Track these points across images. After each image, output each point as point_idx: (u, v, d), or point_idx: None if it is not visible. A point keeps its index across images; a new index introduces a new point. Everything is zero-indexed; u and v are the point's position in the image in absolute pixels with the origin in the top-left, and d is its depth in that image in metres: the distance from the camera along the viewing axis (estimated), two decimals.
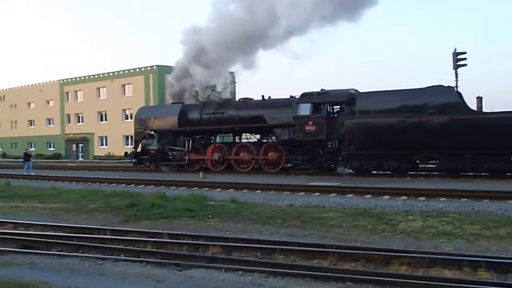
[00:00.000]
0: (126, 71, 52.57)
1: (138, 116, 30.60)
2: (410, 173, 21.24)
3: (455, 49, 23.21)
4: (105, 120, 55.25)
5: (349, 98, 22.56)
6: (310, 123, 22.71)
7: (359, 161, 21.89)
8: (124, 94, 52.91)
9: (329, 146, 22.36)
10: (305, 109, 22.94)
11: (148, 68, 50.53)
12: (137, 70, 51.43)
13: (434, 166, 21.47)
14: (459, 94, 20.36)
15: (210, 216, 11.61)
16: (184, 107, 28.64)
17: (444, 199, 13.65)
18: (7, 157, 62.24)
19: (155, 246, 8.84)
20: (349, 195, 14.94)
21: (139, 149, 30.02)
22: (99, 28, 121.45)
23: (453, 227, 9.68)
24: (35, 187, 19.73)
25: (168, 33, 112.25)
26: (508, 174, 19.19)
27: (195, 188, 18.08)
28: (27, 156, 30.17)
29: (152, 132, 28.77)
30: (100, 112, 55.79)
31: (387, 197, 14.35)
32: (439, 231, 9.32)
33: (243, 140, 27.44)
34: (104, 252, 8.59)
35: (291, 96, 24.93)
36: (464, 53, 23.26)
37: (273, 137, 25.16)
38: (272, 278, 6.72)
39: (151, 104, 46.92)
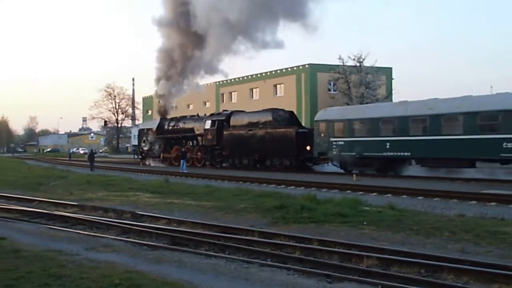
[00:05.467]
0: (278, 71, 53.62)
1: (139, 128, 47.89)
2: None
3: None
4: None
5: (228, 117, 34.08)
6: (209, 133, 34.33)
7: (232, 159, 33.45)
8: (276, 94, 54.06)
9: (217, 148, 34.08)
10: (208, 124, 34.78)
11: (300, 67, 50.86)
12: (289, 69, 52.13)
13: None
14: (287, 113, 31.60)
15: (365, 223, 10.83)
16: (161, 121, 41.01)
17: None
18: None
19: (303, 252, 8.43)
20: None
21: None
22: None
23: None
24: (190, 185, 20.84)
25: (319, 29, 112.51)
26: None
27: (349, 191, 17.37)
28: (183, 154, 32.59)
29: (148, 138, 41.29)
30: None
31: None
32: None
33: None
34: (251, 255, 8.42)
35: (218, 113, 37.43)
36: None
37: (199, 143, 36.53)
38: None
39: (303, 104, 47.90)
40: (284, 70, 52.86)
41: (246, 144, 31.42)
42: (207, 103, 66.83)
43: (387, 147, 23.91)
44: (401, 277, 6.89)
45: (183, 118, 39.39)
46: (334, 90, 49.22)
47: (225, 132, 33.13)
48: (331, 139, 26.57)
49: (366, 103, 41.85)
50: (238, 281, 6.81)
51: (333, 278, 6.86)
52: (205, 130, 34.74)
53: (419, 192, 16.01)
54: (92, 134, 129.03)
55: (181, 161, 31.92)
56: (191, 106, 70.59)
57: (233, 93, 61.99)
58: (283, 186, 20.21)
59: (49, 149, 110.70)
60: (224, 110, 38.19)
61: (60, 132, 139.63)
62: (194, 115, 39.86)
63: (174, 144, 38.93)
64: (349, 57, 46.51)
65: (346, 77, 46.66)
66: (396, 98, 47.58)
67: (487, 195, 14.98)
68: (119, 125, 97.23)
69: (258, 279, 6.84)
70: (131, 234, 10.55)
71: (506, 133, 19.88)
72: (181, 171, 30.40)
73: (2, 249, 8.34)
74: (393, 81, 52.01)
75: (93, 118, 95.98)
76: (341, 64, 46.58)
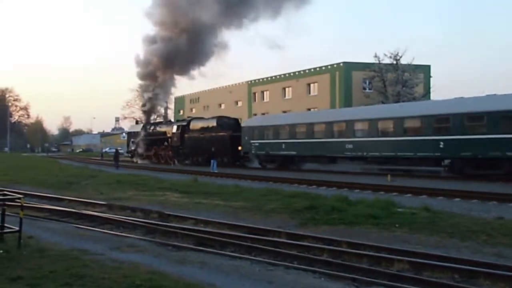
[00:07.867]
0: (312, 70, 53.19)
1: (127, 131, 57.63)
2: None
3: None
4: None
5: (188, 122, 41.73)
6: (175, 136, 41.62)
7: (191, 157, 40.77)
8: (309, 93, 53.65)
9: (181, 148, 41.22)
10: (174, 128, 42.19)
11: (335, 66, 50.30)
12: (323, 68, 51.65)
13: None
14: (232, 120, 39.72)
15: (397, 225, 10.58)
16: (144, 125, 48.14)
17: None
18: None
19: (331, 255, 8.29)
20: None
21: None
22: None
23: None
24: (219, 185, 20.83)
25: (352, 27, 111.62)
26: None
27: (382, 192, 17.05)
28: (213, 154, 32.99)
29: (134, 140, 48.67)
30: (285, 112, 57.61)
31: None
32: None
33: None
34: (277, 257, 8.34)
35: (183, 119, 46.63)
36: None
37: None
38: None
39: (337, 103, 47.74)
40: (318, 69, 52.42)
41: (199, 145, 38.61)
42: (239, 102, 67.05)
43: (283, 147, 31.99)
44: (434, 282, 6.68)
45: (159, 123, 48.25)
46: (369, 89, 48.56)
47: (186, 135, 40.63)
48: (251, 141, 34.45)
49: (403, 101, 41.08)
50: (262, 284, 6.73)
51: (361, 282, 6.71)
52: (172, 133, 42.20)
53: (456, 194, 15.57)
54: (124, 134, 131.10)
55: (212, 161, 32.08)
56: (222, 106, 71.02)
57: (265, 92, 61.91)
58: (314, 186, 20.02)
59: (81, 149, 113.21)
60: (188, 117, 46.53)
61: (93, 132, 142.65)
62: (168, 120, 49.01)
63: (153, 144, 45.94)
64: (385, 55, 45.75)
65: (382, 75, 45.89)
66: (434, 96, 46.64)
67: None
68: None
69: (282, 282, 6.74)
70: (157, 234, 10.61)
71: (347, 137, 27.73)
72: (211, 171, 30.54)
73: (28, 248, 8.47)
74: (431, 79, 50.94)
75: (125, 118, 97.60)
76: (377, 62, 45.86)
